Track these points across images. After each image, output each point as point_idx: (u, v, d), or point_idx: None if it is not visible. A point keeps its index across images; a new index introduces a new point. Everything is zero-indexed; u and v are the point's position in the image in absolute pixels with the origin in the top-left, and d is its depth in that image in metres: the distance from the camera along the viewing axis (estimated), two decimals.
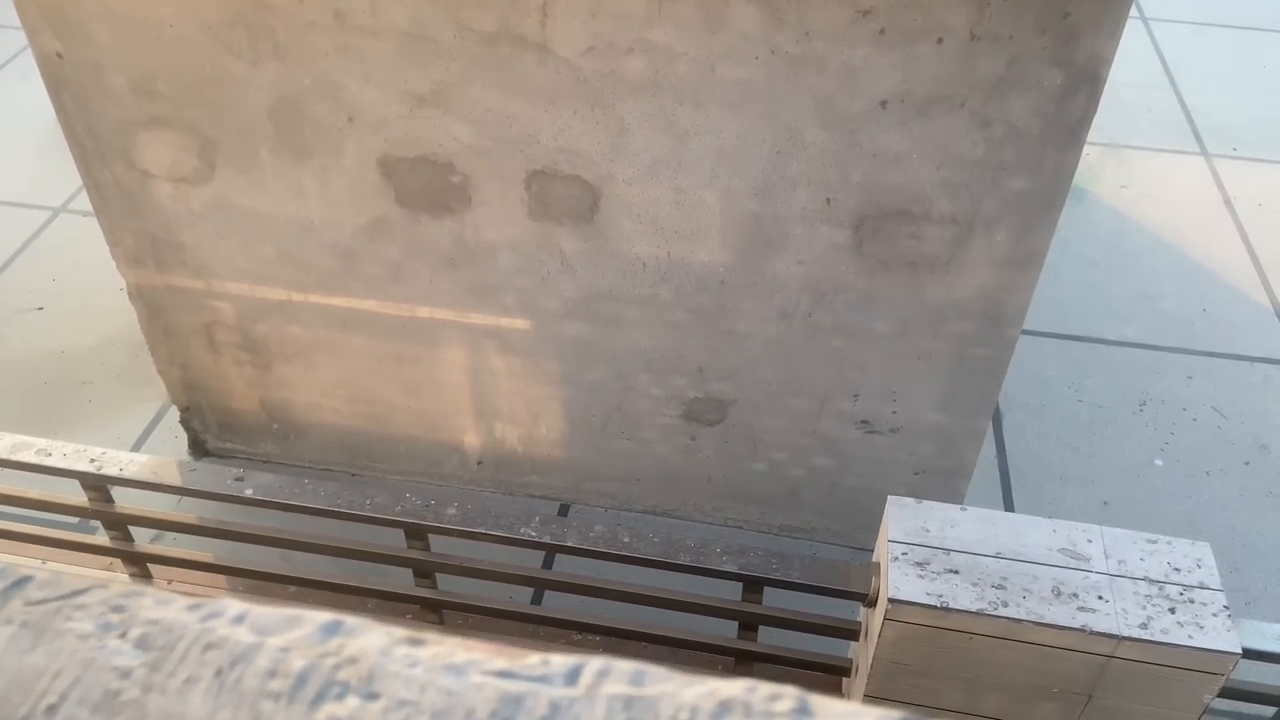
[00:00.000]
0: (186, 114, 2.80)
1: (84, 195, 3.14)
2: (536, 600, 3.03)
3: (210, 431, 3.65)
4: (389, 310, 3.11)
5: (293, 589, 2.79)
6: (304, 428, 3.54)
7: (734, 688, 0.38)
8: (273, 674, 0.34)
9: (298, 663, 0.35)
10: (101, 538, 2.72)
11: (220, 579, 2.83)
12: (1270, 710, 2.31)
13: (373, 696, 0.35)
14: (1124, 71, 4.85)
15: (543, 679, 0.36)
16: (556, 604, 2.90)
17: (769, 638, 2.49)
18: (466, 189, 2.78)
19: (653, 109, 2.52)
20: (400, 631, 0.38)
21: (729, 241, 2.71)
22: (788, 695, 0.38)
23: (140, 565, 2.77)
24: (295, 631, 0.36)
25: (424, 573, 2.55)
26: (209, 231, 3.04)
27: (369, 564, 2.63)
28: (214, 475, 2.48)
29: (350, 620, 0.38)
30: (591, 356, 3.08)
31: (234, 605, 0.36)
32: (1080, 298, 4.59)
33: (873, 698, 2.23)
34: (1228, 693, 2.07)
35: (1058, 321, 4.44)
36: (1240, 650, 1.93)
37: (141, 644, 0.32)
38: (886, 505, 2.19)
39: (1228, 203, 5.25)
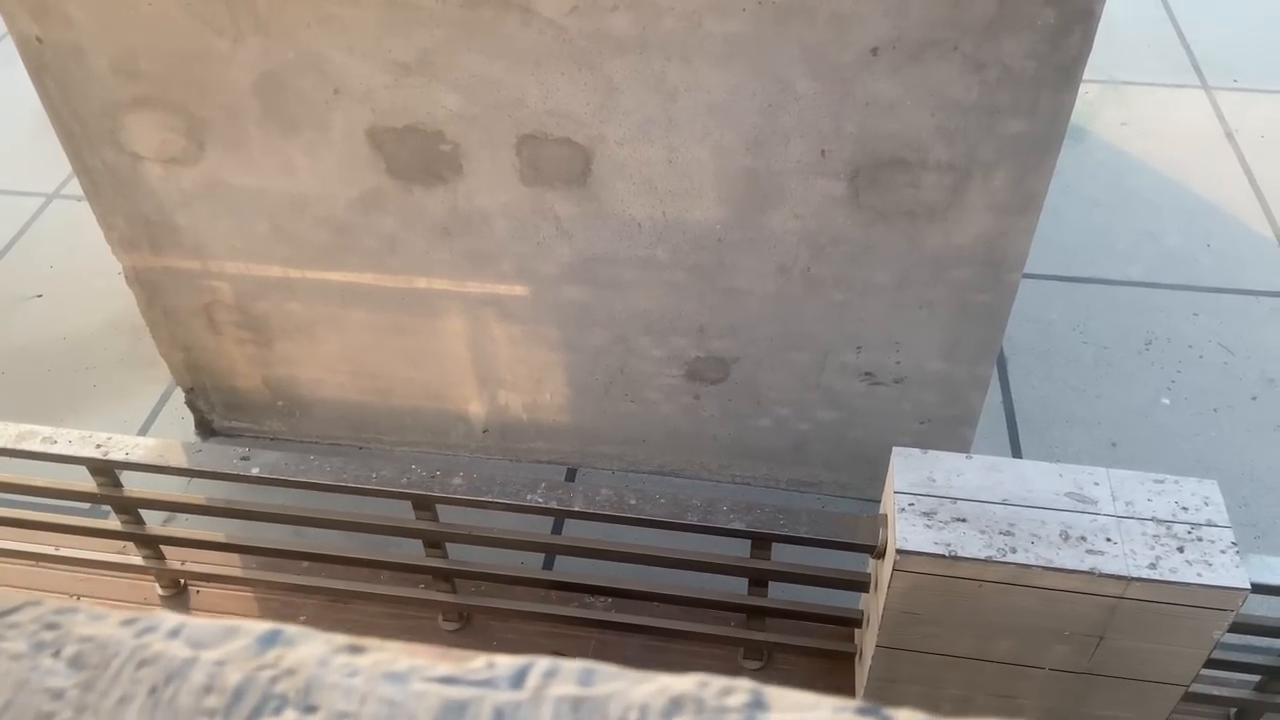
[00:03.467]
0: (171, 93, 2.76)
1: (76, 180, 3.12)
2: (548, 565, 3.04)
3: (216, 411, 3.66)
4: (387, 282, 3.09)
5: (305, 564, 2.80)
6: (309, 403, 3.54)
7: (686, 683, 0.37)
8: (208, 690, 0.33)
9: (234, 677, 0.34)
10: (113, 522, 2.73)
11: (234, 557, 2.84)
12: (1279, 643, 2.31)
13: (310, 709, 0.34)
14: (1120, 7, 4.75)
15: (487, 683, 0.35)
16: (567, 568, 2.91)
17: (779, 593, 2.50)
18: (457, 157, 2.75)
19: (641, 67, 2.48)
20: (341, 639, 0.37)
21: (724, 198, 2.68)
22: (741, 689, 0.36)
23: (153, 547, 2.79)
24: (232, 644, 0.35)
25: (434, 543, 2.56)
26: (202, 211, 3.02)
27: (380, 536, 2.64)
28: (220, 455, 2.48)
29: (290, 629, 0.36)
30: (591, 320, 3.06)
31: (170, 619, 0.34)
32: (1083, 239, 4.55)
33: (885, 648, 2.24)
34: (1237, 628, 2.07)
35: (1060, 264, 4.40)
36: (1249, 586, 1.92)
37: (75, 663, 0.31)
38: (892, 457, 2.18)
39: (1229, 136, 5.18)
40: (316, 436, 3.64)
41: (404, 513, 2.51)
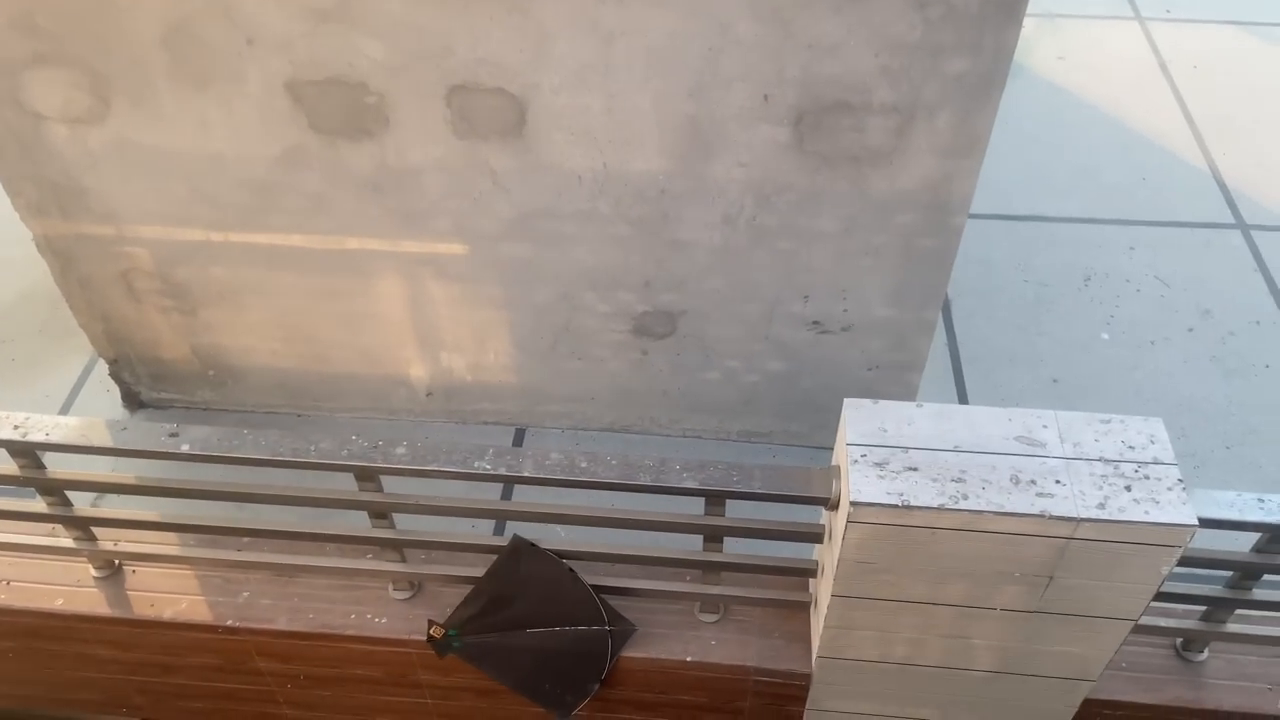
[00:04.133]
0: (72, 49, 2.60)
1: None
2: (499, 531, 3.01)
3: (142, 383, 3.53)
4: (315, 244, 2.99)
5: (245, 540, 2.73)
6: (241, 372, 3.43)
7: None
8: None
9: None
10: (39, 504, 2.62)
11: (171, 535, 2.75)
12: (1226, 574, 2.38)
13: None
14: None
15: None
16: (518, 532, 2.88)
17: (734, 546, 2.50)
18: (383, 110, 2.64)
19: (574, 10, 2.39)
20: None
21: (666, 147, 2.62)
22: None
23: (83, 529, 2.69)
24: None
25: (380, 513, 2.50)
26: (112, 173, 2.87)
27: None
28: (147, 432, 2.37)
29: None
30: (534, 277, 3.00)
31: None
32: (1022, 176, 4.57)
33: (840, 596, 2.26)
34: (1185, 562, 2.11)
35: (1001, 203, 4.42)
36: (1196, 521, 1.96)
37: None
38: (843, 408, 2.17)
39: (1163, 67, 5.23)
40: (251, 405, 3.54)
41: (347, 483, 2.44)
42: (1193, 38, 5.44)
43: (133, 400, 3.57)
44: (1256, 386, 3.63)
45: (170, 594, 2.73)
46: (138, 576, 2.78)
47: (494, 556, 2.67)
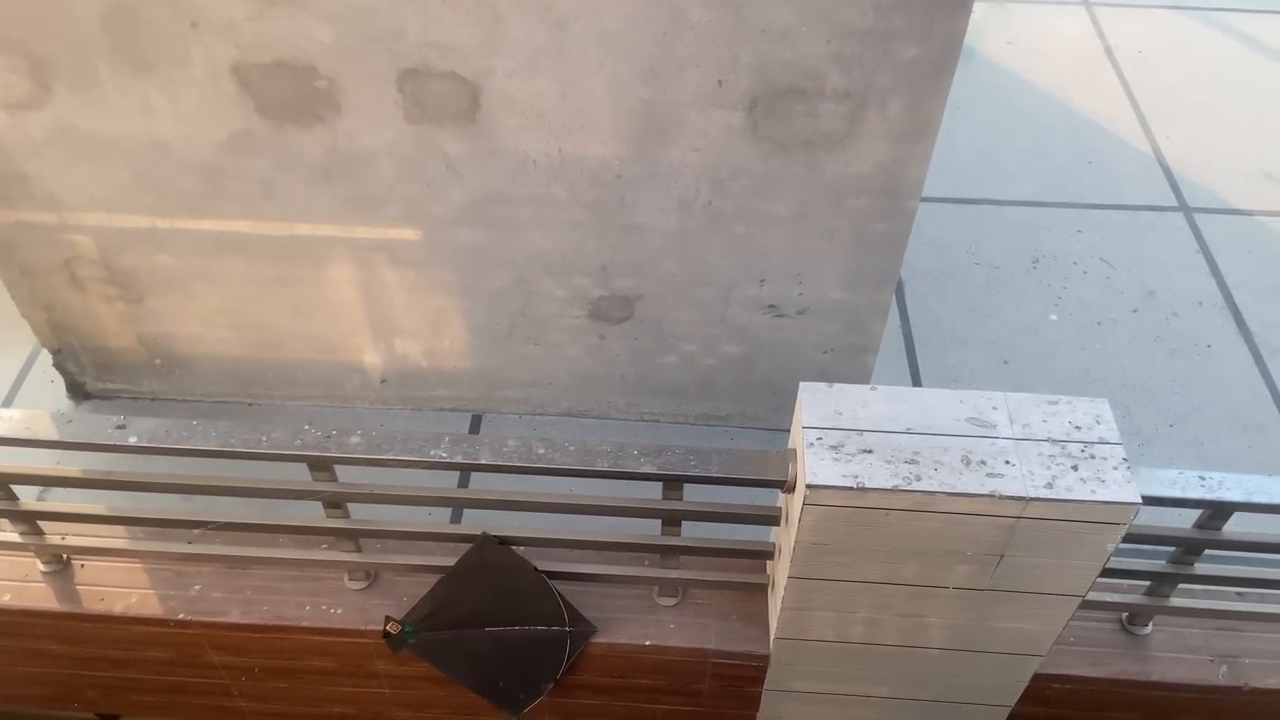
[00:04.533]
0: (9, 31, 2.52)
1: None
2: (456, 518, 2.99)
3: (88, 373, 3.45)
4: (265, 230, 2.94)
5: (196, 532, 2.69)
6: (189, 361, 3.37)
7: None
8: None
9: None
10: None
11: (120, 529, 2.70)
12: (1169, 549, 2.45)
13: None
14: None
15: None
16: (476, 520, 2.87)
17: (692, 529, 2.52)
18: (334, 94, 2.60)
19: None
20: None
21: (621, 132, 2.62)
22: None
23: (30, 523, 2.63)
24: None
25: (334, 503, 2.48)
26: (54, 159, 2.79)
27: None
28: (93, 424, 2.33)
29: None
30: (489, 263, 2.98)
31: None
32: (973, 160, 4.63)
33: (797, 578, 2.29)
34: (1130, 538, 2.17)
35: (952, 186, 4.48)
36: (1140, 499, 2.01)
37: None
38: (799, 392, 2.19)
39: (1109, 52, 5.32)
40: (200, 395, 3.48)
41: (300, 473, 2.42)
42: (1137, 22, 5.54)
43: (78, 391, 3.49)
44: (1198, 366, 3.72)
45: (120, 588, 2.69)
46: (87, 571, 2.73)
47: (451, 545, 2.67)
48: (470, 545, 2.48)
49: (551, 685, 2.61)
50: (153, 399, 3.50)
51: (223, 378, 3.42)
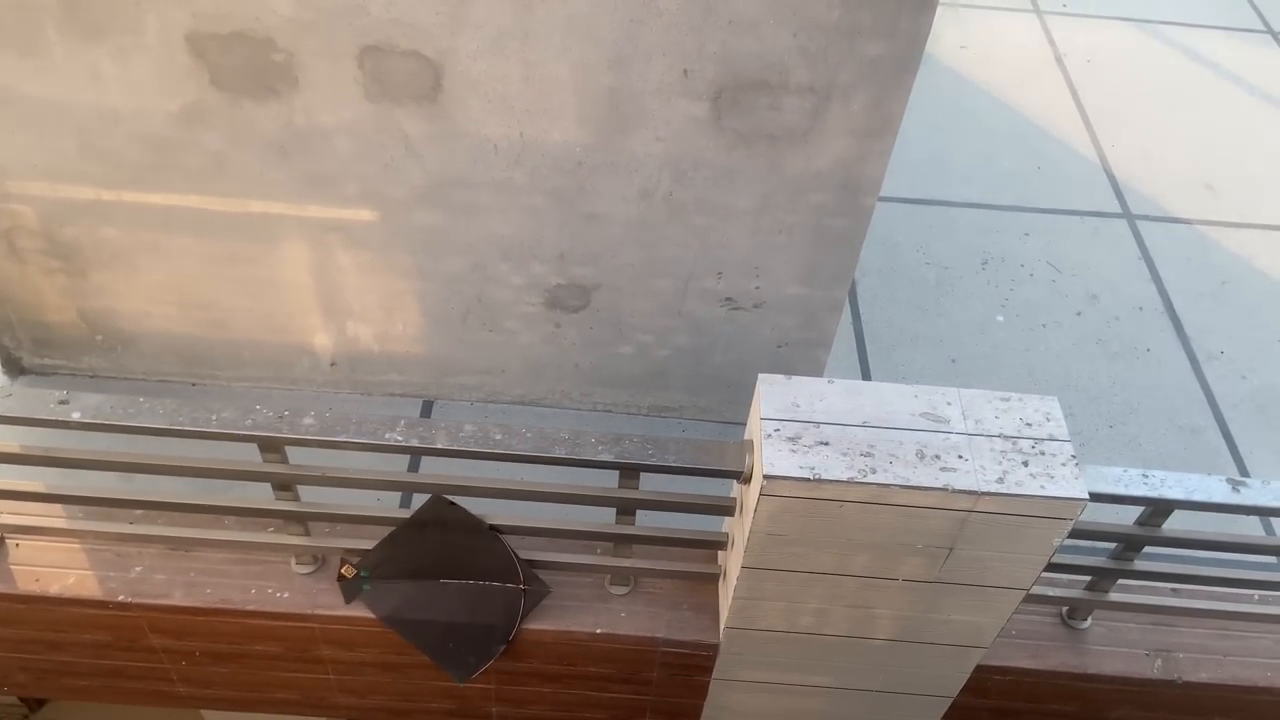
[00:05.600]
0: None
1: None
2: (405, 503, 2.96)
3: (24, 347, 3.34)
4: (216, 205, 2.86)
5: (139, 512, 2.62)
6: (132, 337, 3.28)
7: None
8: None
9: None
10: None
11: (57, 508, 2.62)
12: (1110, 545, 2.51)
13: None
14: None
15: None
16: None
17: (644, 520, 2.52)
18: (292, 68, 2.54)
19: None
20: None
21: (585, 119, 2.60)
22: None
23: None
24: None
25: (284, 485, 2.43)
26: None
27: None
28: (33, 399, 2.25)
29: None
30: (445, 246, 2.94)
31: None
32: (926, 161, 4.70)
33: (750, 568, 2.30)
34: (1075, 534, 2.22)
35: (905, 186, 4.54)
36: (1087, 496, 2.06)
37: None
38: (757, 383, 2.20)
39: (1059, 60, 5.43)
40: (143, 373, 3.39)
41: (248, 454, 2.37)
42: (1087, 32, 5.66)
43: (13, 366, 3.38)
44: (1138, 369, 3.82)
45: (57, 568, 2.61)
46: (22, 550, 2.64)
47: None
48: (424, 505, 2.45)
49: (502, 648, 2.57)
50: (92, 376, 3.39)
51: (167, 356, 3.33)
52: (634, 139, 2.64)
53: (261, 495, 2.51)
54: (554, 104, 2.57)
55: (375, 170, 2.75)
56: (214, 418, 2.20)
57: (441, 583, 2.53)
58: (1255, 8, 5.97)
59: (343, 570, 2.52)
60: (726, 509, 2.41)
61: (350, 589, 2.53)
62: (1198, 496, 2.26)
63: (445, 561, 2.52)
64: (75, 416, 2.19)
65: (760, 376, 2.20)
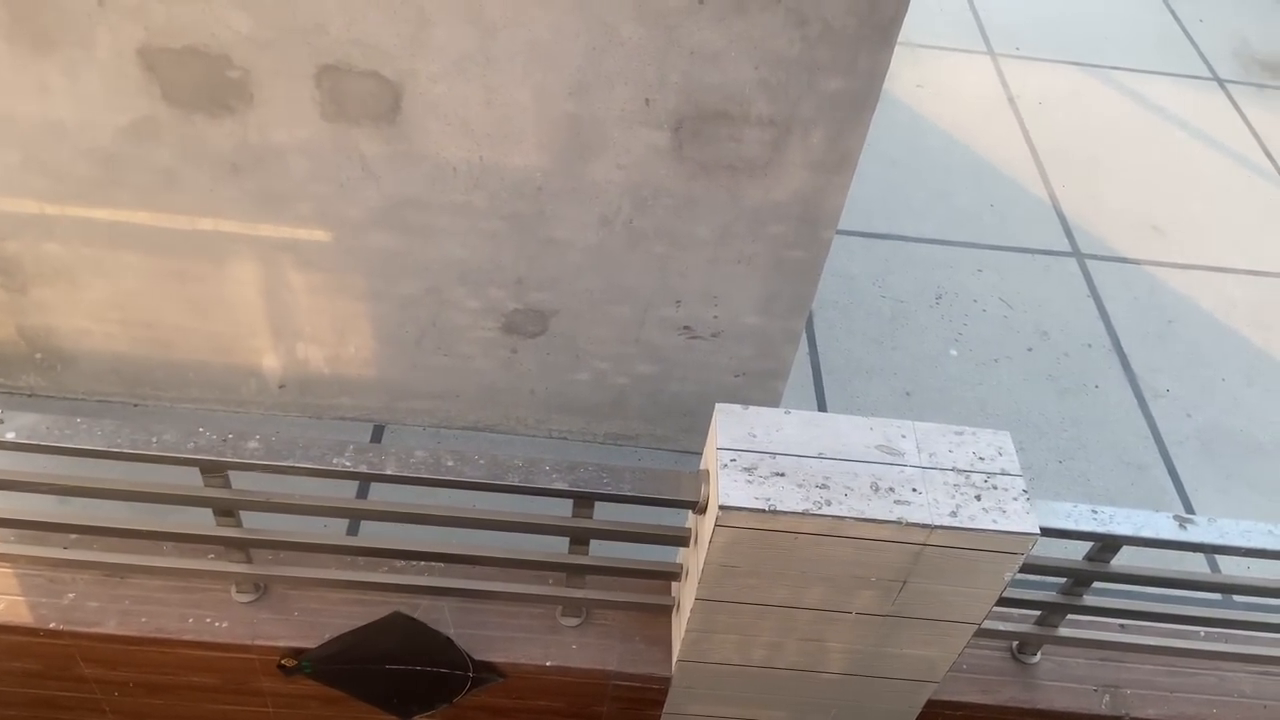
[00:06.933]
0: None
1: None
2: (353, 531, 2.90)
3: None
4: (164, 222, 2.81)
5: (73, 536, 2.53)
6: (73, 356, 3.19)
7: None
8: None
9: None
10: None
11: None
12: (1060, 580, 2.53)
13: None
14: None
15: None
16: (375, 532, 2.79)
17: (597, 550, 2.49)
18: (247, 85, 2.51)
19: None
20: None
21: (545, 144, 2.60)
22: None
23: None
24: None
25: (226, 511, 2.37)
26: None
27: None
28: None
29: None
30: (401, 269, 2.91)
31: None
32: (882, 196, 4.77)
33: (704, 600, 2.28)
34: (1026, 568, 2.24)
35: (862, 220, 4.60)
36: (1039, 530, 2.08)
37: None
38: (715, 413, 2.19)
39: (1011, 100, 5.56)
40: (83, 393, 3.30)
41: (190, 478, 2.30)
42: (1038, 74, 5.80)
43: None
44: (1087, 405, 3.89)
45: None
46: None
47: (347, 557, 2.58)
48: (379, 621, 2.44)
49: (445, 705, 2.55)
50: (30, 395, 3.30)
51: (108, 376, 3.25)
52: (595, 166, 2.64)
53: (202, 521, 2.44)
54: (515, 129, 2.57)
55: (330, 190, 2.72)
56: (155, 440, 2.15)
57: (388, 668, 2.51)
58: (1201, 55, 6.17)
59: (283, 661, 2.48)
60: (681, 539, 2.39)
61: (290, 673, 2.50)
62: (1145, 533, 2.30)
63: (396, 654, 2.51)
64: (10, 436, 2.12)
65: (718, 406, 2.20)
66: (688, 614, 2.35)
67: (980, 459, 2.22)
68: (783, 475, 2.11)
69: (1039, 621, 2.61)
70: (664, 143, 2.58)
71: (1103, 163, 5.20)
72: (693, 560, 2.33)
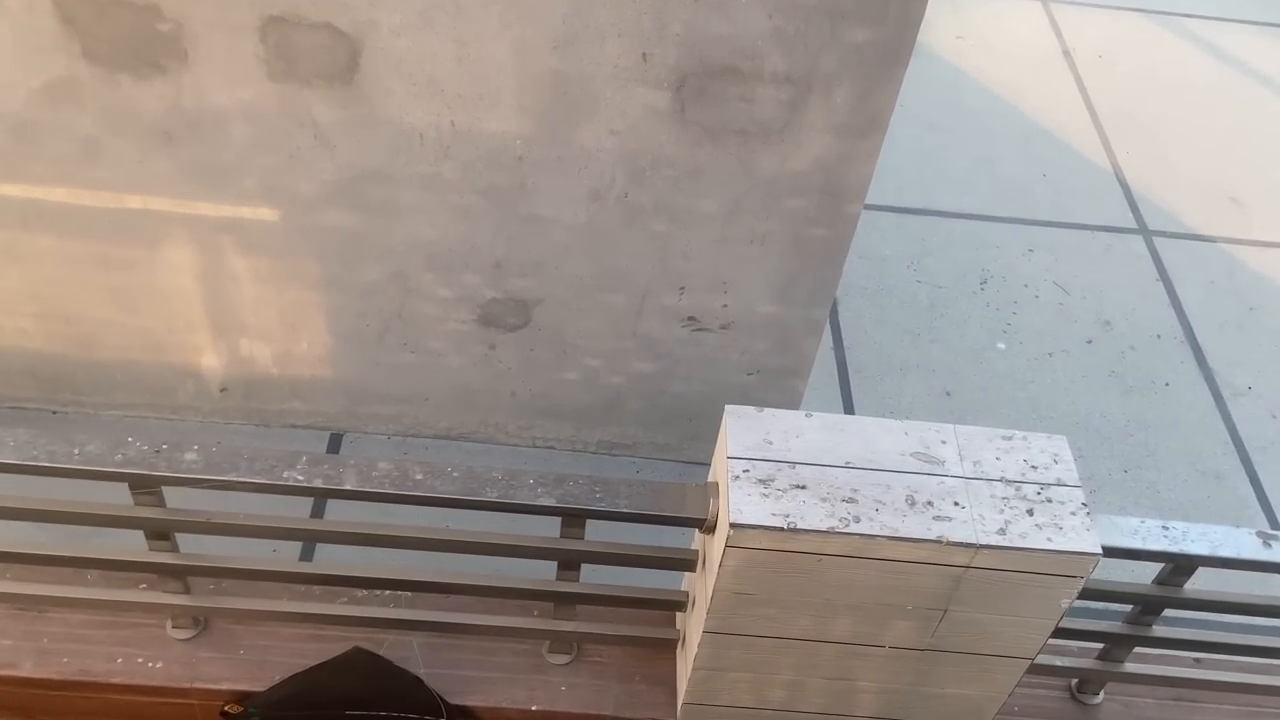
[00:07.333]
0: None
1: None
2: (306, 555, 2.91)
3: None
4: (86, 200, 2.84)
5: None
6: None
7: None
8: None
9: None
10: None
11: None
12: (1126, 608, 2.53)
13: None
14: None
15: None
16: (333, 557, 2.79)
17: (591, 575, 2.49)
18: (180, 40, 2.52)
19: None
20: None
21: (526, 106, 2.61)
22: None
23: None
24: None
25: (159, 533, 2.38)
26: None
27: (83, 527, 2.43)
28: None
29: None
30: (361, 252, 2.93)
31: None
32: (917, 165, 4.78)
33: (713, 633, 2.29)
34: (1086, 594, 2.24)
35: (894, 193, 4.61)
36: (1100, 550, 2.08)
37: None
38: (724, 416, 2.20)
39: (1066, 54, 5.57)
40: None
41: (117, 495, 2.31)
42: (1097, 23, 5.82)
43: None
44: (1156, 405, 3.90)
45: None
46: None
47: (300, 587, 2.59)
48: (339, 657, 2.45)
49: None
50: None
51: (21, 378, 3.28)
52: (584, 131, 2.65)
53: (132, 545, 2.45)
54: (491, 89, 2.58)
55: (278, 162, 2.74)
56: (77, 452, 2.15)
57: (348, 714, 2.52)
58: None
59: (227, 707, 2.48)
60: (687, 563, 2.40)
61: None
62: (1224, 552, 2.29)
63: (355, 696, 2.51)
64: None
65: (728, 408, 2.20)
66: (695, 649, 2.36)
67: (1033, 468, 2.22)
68: (804, 488, 2.12)
69: (1102, 656, 2.61)
70: (664, 104, 2.59)
71: (1173, 125, 5.21)
72: (700, 587, 2.34)
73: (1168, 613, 2.51)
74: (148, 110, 2.64)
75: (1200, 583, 2.46)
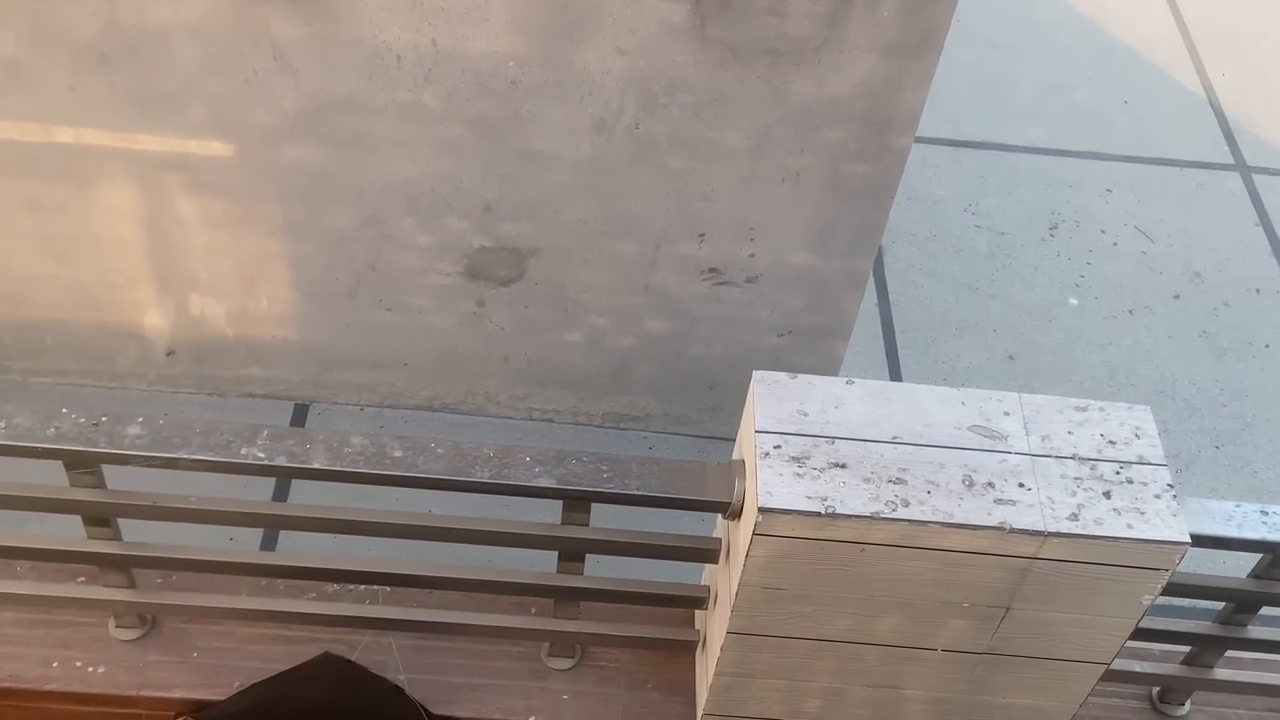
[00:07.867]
0: None
1: None
2: (269, 545, 2.94)
3: None
4: (8, 133, 2.86)
5: None
6: None
7: None
8: None
9: None
10: None
11: None
12: (1217, 605, 2.54)
13: None
14: None
15: None
16: (299, 547, 2.81)
17: (596, 568, 2.51)
18: None
19: None
20: None
21: (520, 22, 2.60)
22: None
23: None
24: None
25: (99, 519, 2.40)
26: None
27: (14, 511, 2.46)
28: None
29: None
30: (328, 194, 2.95)
31: None
32: (977, 91, 4.75)
33: (738, 634, 2.30)
34: (1171, 589, 2.24)
35: (949, 124, 4.58)
36: (1189, 538, 2.08)
37: None
38: (751, 384, 2.20)
39: None
40: None
41: (50, 475, 2.33)
42: None
43: None
44: (1254, 371, 3.89)
45: None
46: None
47: (262, 581, 2.62)
48: (308, 663, 2.48)
49: None
50: None
51: None
52: (587, 51, 2.65)
53: (69, 532, 2.47)
54: (478, 2, 2.57)
55: (232, 88, 2.75)
56: (3, 425, 2.17)
57: None
58: None
59: (180, 718, 2.51)
60: (708, 554, 2.41)
61: None
62: None
63: (326, 713, 2.54)
64: None
65: (756, 375, 2.21)
66: (717, 652, 2.37)
67: (1110, 444, 2.22)
68: (844, 467, 2.12)
69: (1188, 660, 2.62)
70: (680, 18, 2.58)
71: (1277, 41, 5.15)
72: (723, 581, 2.35)
73: (1265, 611, 2.52)
74: (79, 28, 2.65)
75: None
